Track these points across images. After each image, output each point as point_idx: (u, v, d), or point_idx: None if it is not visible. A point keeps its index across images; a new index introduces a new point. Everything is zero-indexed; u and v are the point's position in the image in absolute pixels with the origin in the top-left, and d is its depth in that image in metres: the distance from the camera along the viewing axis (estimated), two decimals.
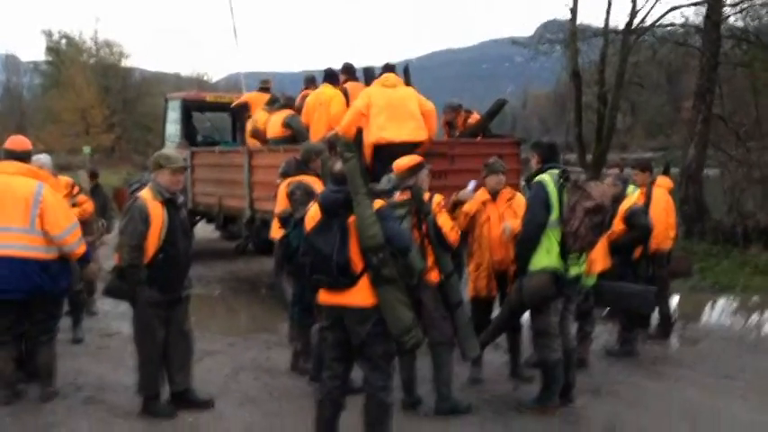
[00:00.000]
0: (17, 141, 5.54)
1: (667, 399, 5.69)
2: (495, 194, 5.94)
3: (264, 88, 11.08)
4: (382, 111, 7.25)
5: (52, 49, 53.33)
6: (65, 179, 7.08)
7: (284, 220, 5.64)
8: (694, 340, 7.58)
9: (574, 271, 5.20)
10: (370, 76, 8.77)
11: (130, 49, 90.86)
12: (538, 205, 5.12)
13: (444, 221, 5.20)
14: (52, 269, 5.22)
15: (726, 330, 8.13)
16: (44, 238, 5.16)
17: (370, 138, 7.22)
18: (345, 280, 4.18)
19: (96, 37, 53.40)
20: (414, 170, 5.27)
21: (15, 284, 5.08)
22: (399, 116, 7.26)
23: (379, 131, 7.17)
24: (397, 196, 5.19)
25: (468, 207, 5.86)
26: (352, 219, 4.20)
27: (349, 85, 8.59)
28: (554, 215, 5.07)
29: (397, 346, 4.31)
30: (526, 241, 5.18)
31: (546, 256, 5.07)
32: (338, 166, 4.38)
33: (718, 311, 9.54)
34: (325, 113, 8.21)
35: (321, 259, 4.21)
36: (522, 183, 6.77)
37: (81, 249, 5.39)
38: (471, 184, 5.92)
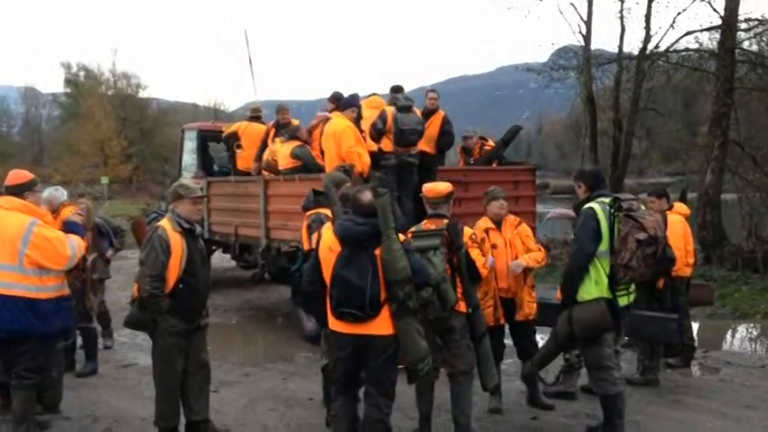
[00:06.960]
0: (12, 176, 5.34)
1: (689, 429, 5.59)
2: (498, 222, 5.91)
3: (255, 117, 11.12)
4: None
5: (71, 81, 54.24)
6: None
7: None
8: (715, 368, 7.47)
9: (623, 302, 5.05)
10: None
11: (148, 80, 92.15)
12: (587, 236, 4.90)
13: (477, 256, 5.16)
14: (43, 309, 4.95)
15: (746, 358, 8.01)
16: (36, 276, 4.93)
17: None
18: (374, 312, 4.24)
19: (114, 69, 54.41)
20: (448, 198, 5.26)
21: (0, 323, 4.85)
22: None
23: None
24: (425, 224, 5.20)
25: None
26: (377, 251, 4.25)
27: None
28: (603, 245, 4.88)
29: (409, 372, 4.36)
30: (574, 273, 4.96)
31: (595, 287, 4.90)
32: (367, 197, 4.38)
33: (739, 339, 9.44)
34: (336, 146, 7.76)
35: (352, 291, 4.22)
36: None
37: (62, 293, 5.16)
38: (491, 260, 5.64)
